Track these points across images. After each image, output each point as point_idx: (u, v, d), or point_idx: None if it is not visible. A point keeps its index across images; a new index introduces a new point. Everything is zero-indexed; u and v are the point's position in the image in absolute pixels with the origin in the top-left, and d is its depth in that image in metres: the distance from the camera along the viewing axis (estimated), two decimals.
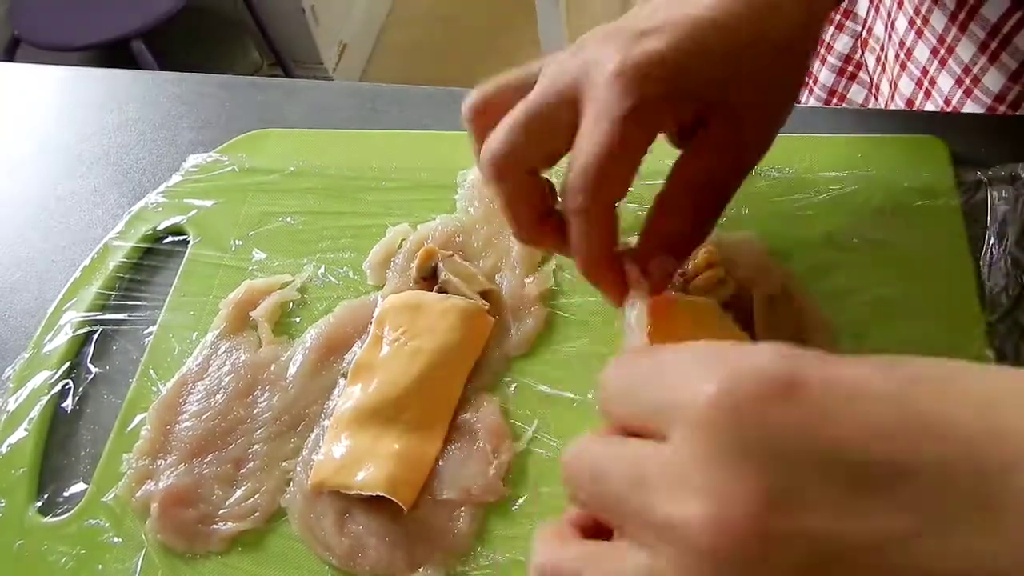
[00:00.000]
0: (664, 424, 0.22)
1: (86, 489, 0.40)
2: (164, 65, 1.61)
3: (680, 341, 0.26)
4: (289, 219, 0.48)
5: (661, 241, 0.35)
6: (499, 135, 0.34)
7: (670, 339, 0.30)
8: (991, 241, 0.41)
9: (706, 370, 0.22)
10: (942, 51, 0.52)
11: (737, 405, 0.20)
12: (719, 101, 0.33)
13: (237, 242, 0.47)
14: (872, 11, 0.59)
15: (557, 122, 0.33)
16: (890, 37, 0.57)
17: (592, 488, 0.23)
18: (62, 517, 0.39)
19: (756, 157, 0.36)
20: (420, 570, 0.35)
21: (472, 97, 0.37)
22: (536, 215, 0.36)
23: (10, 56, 1.59)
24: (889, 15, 0.56)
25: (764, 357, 0.21)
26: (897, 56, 0.56)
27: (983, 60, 0.51)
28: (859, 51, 0.62)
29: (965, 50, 0.51)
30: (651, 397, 0.23)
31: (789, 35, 0.34)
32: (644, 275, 0.34)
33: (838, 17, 0.62)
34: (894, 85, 0.57)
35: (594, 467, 0.23)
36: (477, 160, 0.36)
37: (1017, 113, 0.52)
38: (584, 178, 0.32)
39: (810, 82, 0.66)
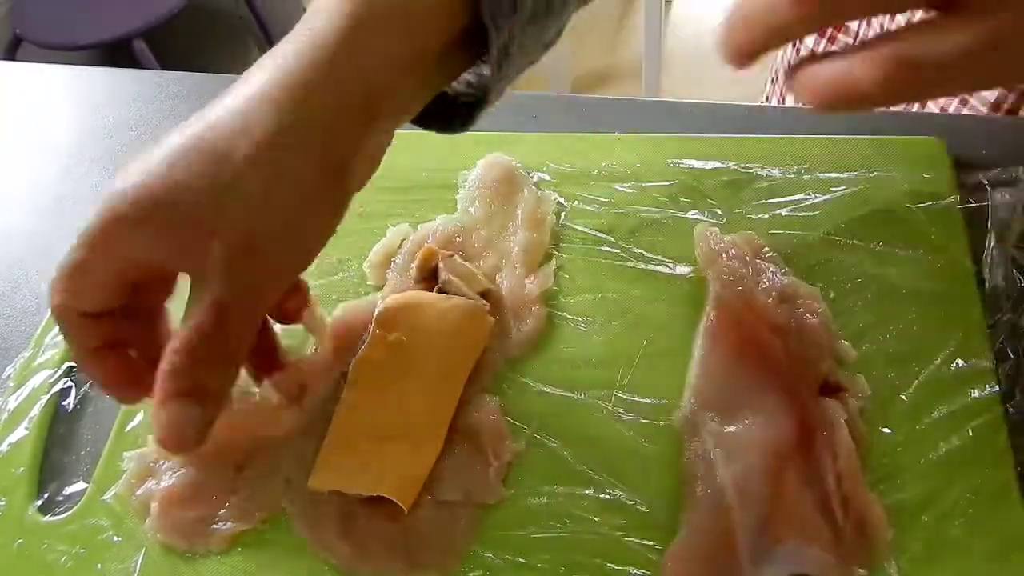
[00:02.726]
0: None
1: (86, 488, 0.40)
2: (165, 64, 1.61)
3: None
4: None
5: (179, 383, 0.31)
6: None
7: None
8: (991, 243, 0.41)
9: None
10: None
11: None
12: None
13: None
14: (863, 24, 0.59)
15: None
16: None
17: None
18: (62, 516, 0.39)
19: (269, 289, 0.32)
20: (420, 571, 0.35)
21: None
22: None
23: (11, 55, 1.60)
24: (882, 27, 0.56)
25: None
26: None
27: None
28: None
29: None
30: None
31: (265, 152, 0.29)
32: None
33: (830, 30, 0.62)
34: None
35: None
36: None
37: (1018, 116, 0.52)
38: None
39: None
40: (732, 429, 0.36)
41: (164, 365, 0.30)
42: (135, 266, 0.31)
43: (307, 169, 0.30)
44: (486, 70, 0.35)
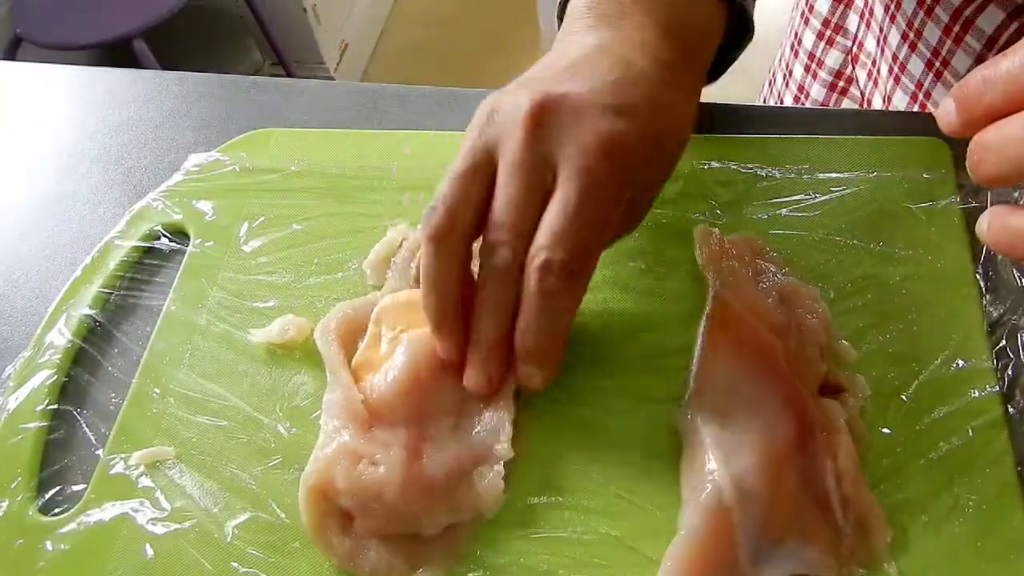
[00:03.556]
0: None
1: (86, 489, 0.40)
2: (165, 64, 1.61)
3: None
4: (290, 219, 0.48)
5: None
6: (438, 202, 0.37)
7: None
8: None
9: None
10: (937, 64, 0.52)
11: None
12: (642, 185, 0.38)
13: (238, 242, 0.47)
14: (863, 26, 0.59)
15: (485, 178, 0.36)
16: (882, 52, 0.57)
17: None
18: (62, 516, 0.39)
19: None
20: (419, 571, 0.35)
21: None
22: (459, 294, 0.36)
23: (11, 55, 1.60)
24: (881, 30, 0.56)
25: None
26: (891, 70, 0.56)
27: None
28: (850, 66, 0.62)
29: (961, 63, 0.51)
30: None
31: (687, 124, 0.39)
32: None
33: (828, 32, 0.62)
34: (888, 100, 0.57)
35: None
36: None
37: None
38: (567, 238, 0.33)
39: (801, 96, 0.67)
40: (732, 429, 0.36)
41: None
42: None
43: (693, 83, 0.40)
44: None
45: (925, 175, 0.44)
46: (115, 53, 1.66)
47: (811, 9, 0.63)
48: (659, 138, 0.36)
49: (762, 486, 0.34)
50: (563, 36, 0.40)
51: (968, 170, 0.28)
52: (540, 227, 0.34)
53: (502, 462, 0.37)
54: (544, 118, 0.34)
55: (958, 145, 0.45)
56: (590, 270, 0.35)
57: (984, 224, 0.28)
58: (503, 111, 0.36)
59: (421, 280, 0.36)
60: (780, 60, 0.70)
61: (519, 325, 0.35)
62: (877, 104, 0.59)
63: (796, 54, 0.66)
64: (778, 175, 0.46)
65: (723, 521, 0.33)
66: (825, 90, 0.64)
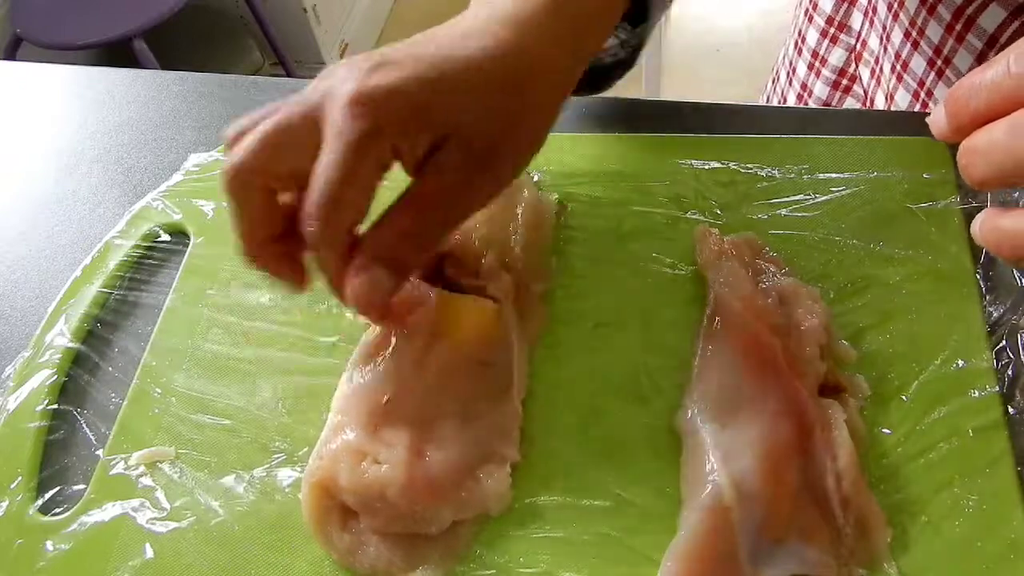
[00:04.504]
0: None
1: (86, 489, 0.40)
2: (165, 64, 1.61)
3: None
4: None
5: (379, 252, 0.35)
6: (241, 148, 0.35)
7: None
8: None
9: None
10: (939, 62, 0.52)
11: None
12: (453, 131, 0.34)
13: None
14: (867, 24, 0.59)
15: (298, 141, 0.34)
16: (885, 50, 0.57)
17: None
18: (62, 516, 0.39)
19: (489, 186, 0.36)
20: (419, 570, 0.35)
21: (231, 126, 0.38)
22: (265, 235, 0.37)
23: (11, 55, 1.60)
24: (884, 28, 0.56)
25: None
26: (893, 68, 0.56)
27: None
28: (853, 64, 0.62)
29: (962, 61, 0.51)
30: None
31: (537, 78, 0.36)
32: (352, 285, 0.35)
33: (832, 30, 0.62)
34: (890, 97, 0.57)
35: None
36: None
37: None
38: (318, 202, 0.33)
39: (804, 95, 0.67)
40: (732, 429, 0.36)
41: (371, 237, 0.35)
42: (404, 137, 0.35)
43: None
44: (622, 33, 0.43)
45: (925, 175, 0.44)
46: (115, 53, 1.66)
47: (815, 7, 0.63)
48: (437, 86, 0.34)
49: (762, 486, 0.34)
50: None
51: (960, 173, 0.29)
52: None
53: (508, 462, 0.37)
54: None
55: (958, 146, 0.45)
56: (341, 211, 0.34)
57: (977, 225, 0.29)
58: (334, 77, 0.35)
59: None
60: (784, 58, 0.70)
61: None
62: (880, 102, 0.59)
63: (800, 52, 0.66)
64: (778, 175, 0.46)
65: (723, 521, 0.33)
66: (828, 88, 0.64)
